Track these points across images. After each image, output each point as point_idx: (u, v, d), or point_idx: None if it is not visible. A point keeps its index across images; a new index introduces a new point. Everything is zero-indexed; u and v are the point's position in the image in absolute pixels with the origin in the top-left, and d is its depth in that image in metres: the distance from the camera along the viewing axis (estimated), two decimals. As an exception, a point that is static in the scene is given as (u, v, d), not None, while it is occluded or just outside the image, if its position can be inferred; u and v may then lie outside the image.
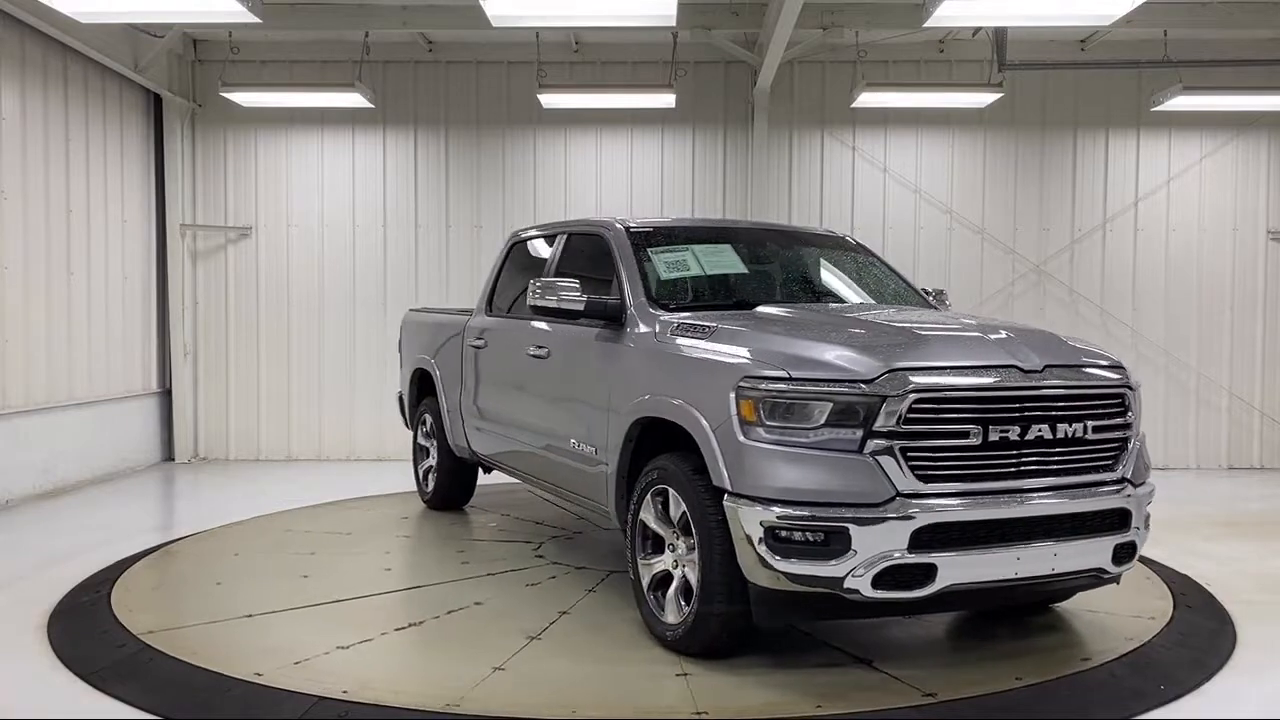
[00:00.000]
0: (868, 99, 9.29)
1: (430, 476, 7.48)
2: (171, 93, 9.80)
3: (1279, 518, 7.93)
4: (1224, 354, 10.11)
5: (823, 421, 3.79)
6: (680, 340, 4.52)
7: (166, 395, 10.19)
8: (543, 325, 5.71)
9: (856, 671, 4.19)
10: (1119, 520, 4.14)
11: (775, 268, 5.72)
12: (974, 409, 3.86)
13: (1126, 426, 4.22)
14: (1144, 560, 5.80)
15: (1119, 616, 4.95)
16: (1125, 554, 4.19)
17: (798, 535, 3.74)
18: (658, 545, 4.51)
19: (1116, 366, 4.32)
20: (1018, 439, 3.91)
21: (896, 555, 3.70)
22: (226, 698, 3.89)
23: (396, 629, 4.70)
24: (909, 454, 3.78)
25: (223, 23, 8.77)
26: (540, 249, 6.37)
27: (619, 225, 5.50)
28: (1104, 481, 4.13)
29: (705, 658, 4.23)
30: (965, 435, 3.83)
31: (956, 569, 3.78)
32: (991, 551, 3.84)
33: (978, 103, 9.58)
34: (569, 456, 5.30)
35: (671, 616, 4.35)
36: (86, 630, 4.70)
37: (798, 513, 3.74)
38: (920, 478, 3.78)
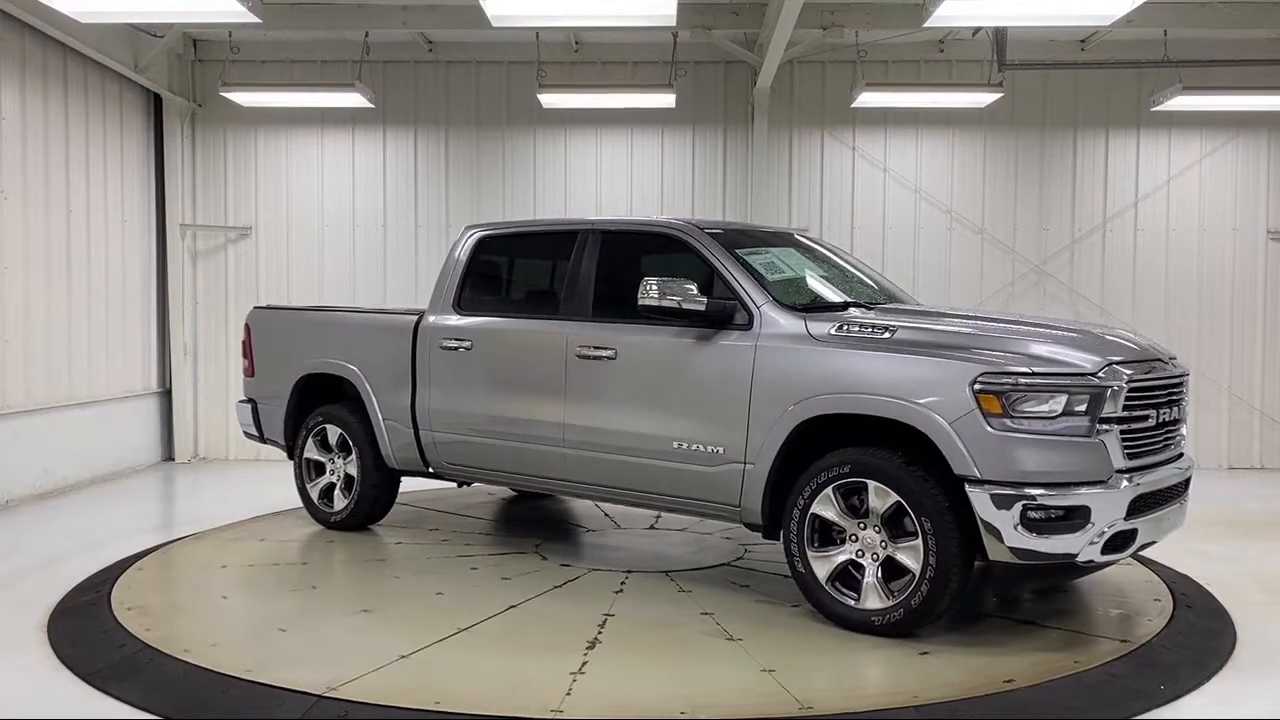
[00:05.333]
0: (868, 99, 9.29)
1: (337, 494, 6.73)
2: (171, 93, 9.81)
3: (1279, 518, 7.94)
4: (1224, 354, 10.11)
5: (1060, 410, 4.27)
6: (859, 340, 4.69)
7: (166, 395, 10.19)
8: (595, 326, 5.52)
9: (1061, 635, 4.61)
10: (1187, 486, 4.90)
11: (837, 268, 5.99)
12: (1155, 395, 4.60)
13: (1184, 408, 5.03)
14: (1144, 560, 5.80)
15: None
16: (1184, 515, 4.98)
17: (1047, 514, 4.20)
18: (826, 538, 4.71)
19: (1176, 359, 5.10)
20: (1166, 419, 4.68)
21: (1119, 523, 4.31)
22: (226, 698, 3.89)
23: (586, 650, 4.36)
24: (1121, 435, 4.37)
25: (223, 23, 8.78)
26: (530, 249, 6.23)
27: (697, 226, 5.48)
28: (1182, 454, 4.95)
29: (906, 638, 4.47)
30: (1147, 418, 4.53)
31: (1144, 531, 4.48)
32: (1156, 514, 4.55)
33: (978, 103, 9.58)
34: (671, 459, 5.18)
35: (875, 603, 4.55)
36: (86, 630, 4.70)
37: (1050, 493, 4.20)
38: (1127, 455, 4.39)
